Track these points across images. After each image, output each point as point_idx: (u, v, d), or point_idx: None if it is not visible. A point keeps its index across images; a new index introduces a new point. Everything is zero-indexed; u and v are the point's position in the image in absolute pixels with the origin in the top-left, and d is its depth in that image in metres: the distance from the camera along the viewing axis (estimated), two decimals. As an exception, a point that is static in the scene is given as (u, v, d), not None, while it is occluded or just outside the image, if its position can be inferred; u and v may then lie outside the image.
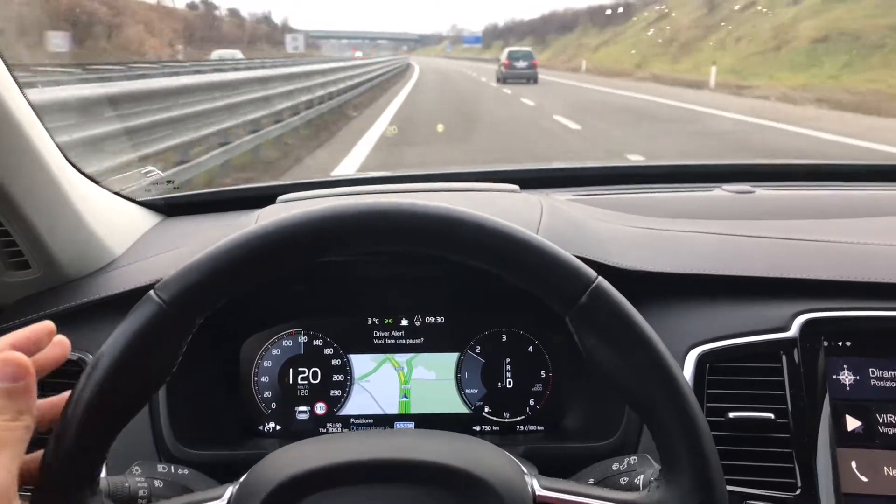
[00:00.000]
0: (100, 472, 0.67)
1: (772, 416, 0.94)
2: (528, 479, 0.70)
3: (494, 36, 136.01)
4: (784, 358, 0.97)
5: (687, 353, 0.98)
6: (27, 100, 1.01)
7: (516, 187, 1.31)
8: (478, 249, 0.68)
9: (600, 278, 0.67)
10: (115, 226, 1.25)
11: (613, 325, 0.67)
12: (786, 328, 0.98)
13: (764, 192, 1.47)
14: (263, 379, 1.17)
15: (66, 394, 0.68)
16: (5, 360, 0.59)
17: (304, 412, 1.16)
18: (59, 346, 0.68)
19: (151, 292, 0.66)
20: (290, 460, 0.70)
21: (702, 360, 0.97)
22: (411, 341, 1.18)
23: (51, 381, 0.99)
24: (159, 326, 0.65)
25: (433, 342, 1.18)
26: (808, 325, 0.98)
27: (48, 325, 0.66)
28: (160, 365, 0.67)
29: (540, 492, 0.69)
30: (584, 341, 0.68)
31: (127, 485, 0.82)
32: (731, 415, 0.94)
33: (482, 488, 0.67)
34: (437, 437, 0.75)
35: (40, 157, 1.03)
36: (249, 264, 0.66)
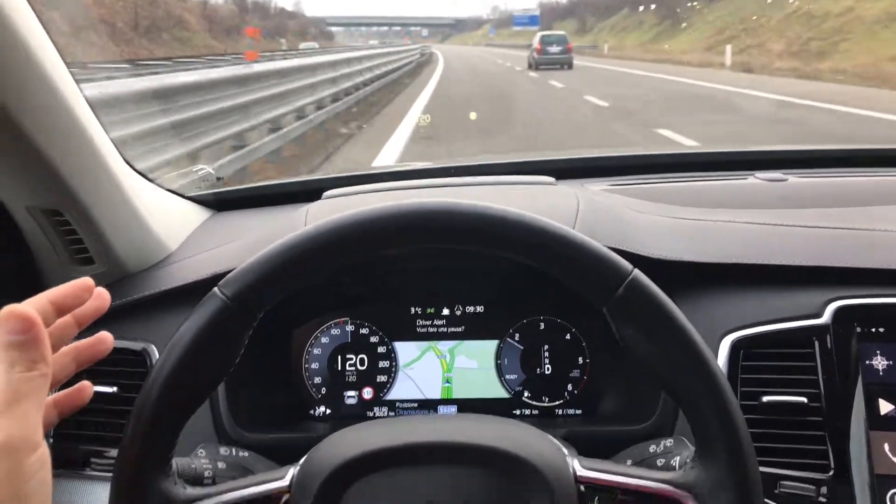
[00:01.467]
0: (172, 455, 0.73)
1: (805, 399, 0.97)
2: (569, 460, 0.75)
3: (558, 15, 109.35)
4: (817, 344, 0.99)
5: (721, 339, 1.01)
6: (86, 99, 1.07)
7: (552, 179, 1.35)
8: (518, 245, 0.72)
9: (636, 271, 0.71)
10: (170, 221, 1.31)
11: (650, 316, 0.70)
12: (819, 315, 1.01)
13: (796, 180, 1.48)
14: (314, 366, 1.22)
15: (82, 384, 0.73)
16: (9, 314, 0.59)
17: (353, 397, 1.22)
18: (99, 298, 0.70)
19: (216, 289, 0.71)
20: (348, 443, 0.75)
21: (736, 347, 1.01)
22: (452, 329, 1.23)
23: (114, 370, 1.07)
24: (223, 322, 0.70)
25: (473, 330, 1.23)
26: (840, 311, 1.00)
27: (87, 280, 0.69)
28: (224, 357, 0.72)
29: (581, 472, 0.73)
30: (621, 332, 0.72)
31: (193, 466, 0.88)
32: (765, 399, 0.97)
33: (527, 470, 0.71)
34: (485, 422, 0.80)
35: (101, 156, 1.09)
36: (306, 262, 0.71)
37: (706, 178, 1.56)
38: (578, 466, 0.74)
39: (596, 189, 1.38)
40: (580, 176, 1.55)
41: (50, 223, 1.08)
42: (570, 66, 26.25)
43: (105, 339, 0.73)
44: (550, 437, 0.78)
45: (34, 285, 1.15)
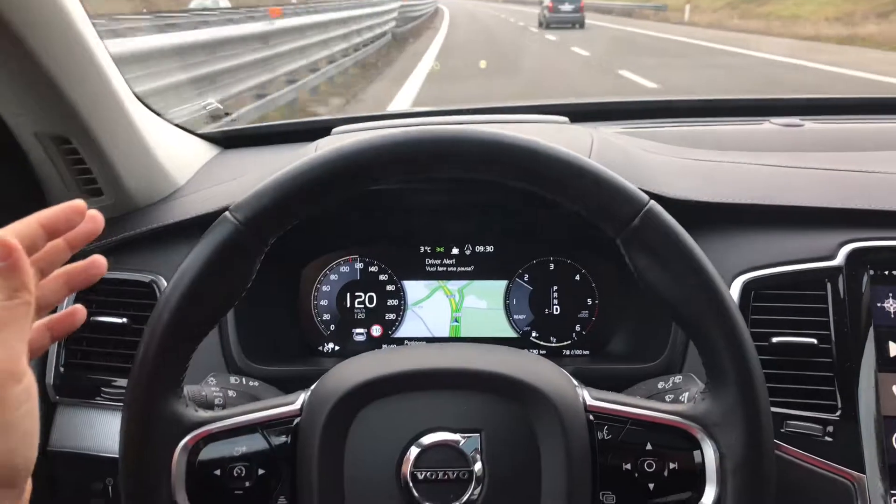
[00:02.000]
0: (183, 378, 0.73)
1: (815, 341, 0.97)
2: (579, 390, 0.75)
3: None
4: (829, 286, 0.99)
5: (733, 280, 1.01)
6: (102, 41, 1.05)
7: (566, 119, 1.33)
8: (533, 174, 0.71)
9: (652, 202, 0.70)
10: (178, 156, 1.30)
11: (664, 247, 0.69)
12: (831, 257, 1.00)
13: (813, 126, 1.46)
14: (322, 302, 1.23)
15: (74, 307, 0.71)
16: None
17: (361, 334, 1.22)
18: (92, 221, 0.67)
19: (227, 213, 0.70)
20: (359, 369, 0.75)
21: (747, 287, 1.00)
22: (462, 269, 1.23)
23: (123, 301, 1.07)
24: (235, 245, 0.69)
25: (483, 270, 1.23)
26: (853, 254, 1.00)
27: (78, 203, 0.66)
28: (235, 282, 0.71)
29: (591, 402, 0.73)
30: (635, 262, 0.71)
31: (203, 393, 0.89)
32: (775, 339, 0.97)
33: (537, 397, 0.71)
34: (495, 350, 0.80)
35: (111, 86, 1.08)
36: (320, 186, 0.70)
37: (720, 123, 1.54)
38: (588, 396, 0.74)
39: (609, 131, 1.36)
40: (593, 119, 1.53)
41: (58, 151, 1.07)
42: (582, 24, 25.39)
43: (98, 262, 0.70)
44: (560, 368, 0.78)
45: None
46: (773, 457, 0.69)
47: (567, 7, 25.33)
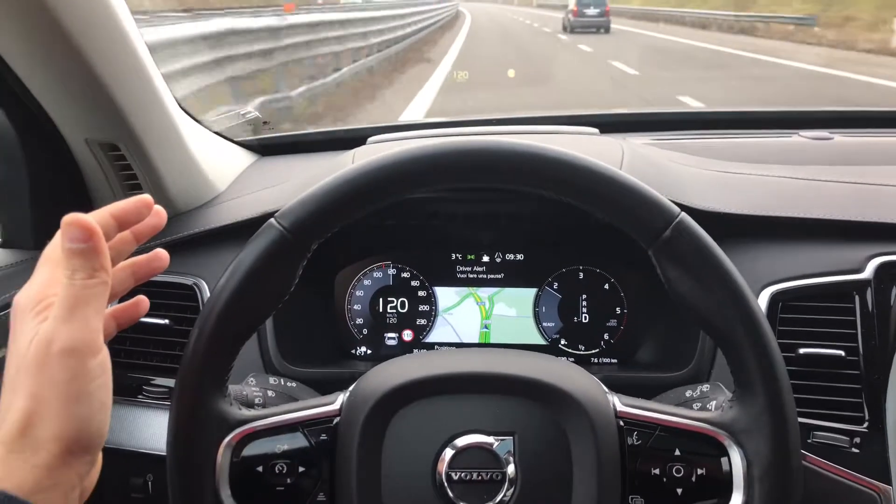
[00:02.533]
0: (228, 378, 0.75)
1: (842, 353, 0.98)
2: (609, 396, 0.77)
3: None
4: (857, 298, 1.00)
5: (761, 291, 1.02)
6: (146, 45, 1.09)
7: (596, 130, 1.35)
8: (567, 185, 0.73)
9: (683, 213, 0.72)
10: (218, 163, 1.34)
11: (695, 259, 0.71)
12: (860, 270, 1.01)
13: (842, 139, 1.47)
14: (356, 307, 1.26)
15: (139, 297, 0.75)
16: (70, 222, 0.60)
17: (393, 338, 1.25)
18: (157, 216, 0.71)
19: (272, 220, 0.73)
20: (397, 371, 0.77)
21: (775, 298, 1.01)
22: (492, 276, 1.25)
23: (166, 303, 1.11)
24: (280, 250, 0.72)
25: (513, 278, 1.25)
26: (882, 267, 1.01)
27: (147, 197, 0.71)
28: (279, 286, 0.74)
29: (621, 408, 0.75)
30: (666, 273, 0.73)
31: (244, 393, 0.91)
32: (802, 351, 0.98)
33: (569, 402, 0.73)
34: (528, 355, 0.82)
35: (158, 96, 1.12)
36: (362, 195, 0.73)
37: (749, 135, 1.55)
38: (618, 403, 0.76)
39: (639, 142, 1.38)
40: (623, 130, 1.54)
41: (107, 157, 1.11)
42: (608, 29, 24.39)
43: (161, 255, 0.75)
44: (591, 374, 0.80)
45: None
46: (801, 465, 0.70)
47: (592, 11, 24.44)
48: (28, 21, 0.91)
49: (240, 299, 0.72)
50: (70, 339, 0.59)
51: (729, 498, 0.72)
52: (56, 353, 0.59)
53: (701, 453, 0.73)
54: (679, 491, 0.73)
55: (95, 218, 0.64)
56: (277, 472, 0.75)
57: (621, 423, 0.74)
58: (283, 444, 0.75)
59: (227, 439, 0.74)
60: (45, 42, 0.94)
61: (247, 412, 0.77)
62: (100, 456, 0.65)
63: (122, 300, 0.76)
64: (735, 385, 0.74)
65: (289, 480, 0.75)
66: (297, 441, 0.75)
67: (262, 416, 0.76)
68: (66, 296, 0.60)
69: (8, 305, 1.07)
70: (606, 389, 0.78)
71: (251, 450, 0.75)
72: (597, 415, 0.73)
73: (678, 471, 0.73)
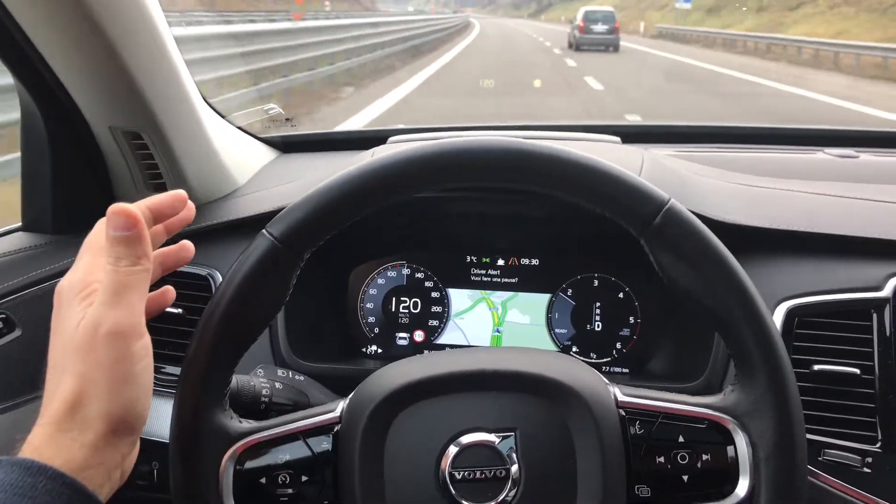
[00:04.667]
0: (227, 391, 0.75)
1: (857, 371, 0.96)
2: (610, 387, 0.76)
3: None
4: (875, 316, 0.98)
5: (777, 305, 1.01)
6: (173, 39, 1.11)
7: (618, 139, 1.34)
8: (556, 179, 0.73)
9: (673, 200, 0.71)
10: (239, 158, 1.36)
11: (686, 243, 0.71)
12: (879, 288, 1.00)
13: (868, 158, 1.45)
14: (368, 305, 1.26)
15: (166, 287, 0.78)
16: (115, 211, 0.63)
17: (404, 338, 1.25)
18: (190, 210, 0.75)
19: (263, 230, 0.73)
20: (394, 375, 0.77)
21: (791, 314, 1.00)
22: (506, 280, 1.25)
23: (181, 293, 1.11)
24: (271, 260, 0.72)
25: (527, 283, 1.25)
26: None
27: (181, 193, 0.74)
28: (274, 294, 0.74)
29: (622, 398, 0.75)
30: (659, 259, 0.73)
31: (252, 384, 0.92)
32: (816, 367, 0.97)
33: (569, 395, 0.73)
34: (524, 350, 0.82)
35: (183, 87, 1.14)
36: (350, 201, 0.72)
37: (773, 151, 1.53)
38: (619, 392, 0.75)
39: (660, 153, 1.37)
40: (645, 141, 1.54)
41: (129, 145, 1.13)
42: (616, 48, 22.64)
43: (188, 246, 0.78)
44: (592, 368, 0.79)
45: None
46: (805, 443, 0.70)
47: (601, 28, 22.84)
48: (59, 10, 0.93)
49: (234, 313, 0.71)
50: (116, 322, 0.62)
51: (736, 483, 0.71)
52: (103, 335, 0.61)
53: (705, 440, 0.72)
54: (685, 478, 0.72)
55: (134, 209, 0.67)
56: (281, 482, 0.74)
57: (623, 412, 0.74)
58: (284, 454, 0.75)
59: (228, 453, 0.73)
60: (76, 31, 0.96)
61: (247, 424, 0.76)
62: (139, 438, 0.67)
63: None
64: (735, 368, 0.74)
65: (292, 490, 0.74)
66: (299, 450, 0.75)
67: (262, 427, 0.76)
68: (111, 281, 0.63)
69: (33, 285, 1.10)
70: (607, 381, 0.77)
71: (253, 461, 0.74)
72: (598, 407, 0.72)
73: (683, 458, 0.72)
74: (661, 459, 0.72)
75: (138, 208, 0.68)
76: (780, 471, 0.69)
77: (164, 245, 0.77)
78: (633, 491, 0.72)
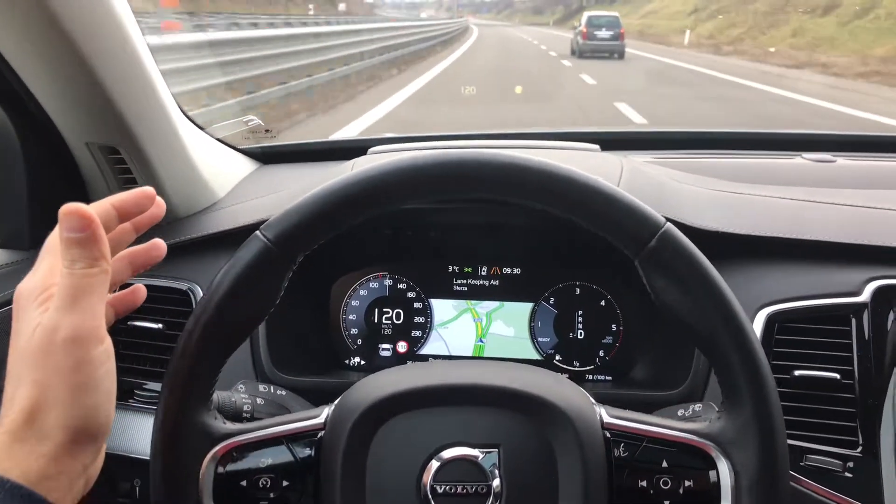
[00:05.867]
0: (213, 391, 0.75)
1: (837, 376, 0.97)
2: (596, 408, 0.76)
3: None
4: (854, 321, 0.99)
5: (757, 312, 1.01)
6: (149, 51, 1.10)
7: (597, 147, 1.35)
8: (550, 196, 0.72)
9: (669, 223, 0.71)
10: (218, 170, 1.35)
11: (680, 268, 0.70)
12: (857, 293, 1.01)
13: (845, 162, 1.46)
14: (351, 317, 1.25)
15: (136, 286, 0.76)
16: (67, 211, 0.60)
17: (387, 349, 1.25)
18: (157, 207, 0.72)
19: (258, 232, 0.72)
20: (380, 384, 0.77)
21: (771, 320, 1.01)
22: (489, 290, 1.25)
23: (160, 308, 1.10)
24: (264, 262, 0.71)
25: (509, 292, 1.25)
26: (880, 291, 1.00)
27: (148, 189, 0.71)
28: (265, 297, 0.73)
29: (608, 419, 0.74)
30: (652, 283, 0.72)
31: (233, 399, 0.91)
32: (797, 373, 0.98)
33: (555, 414, 0.73)
34: (513, 367, 0.81)
35: (160, 101, 1.13)
36: (345, 207, 0.72)
37: (751, 156, 1.54)
38: (605, 414, 0.75)
39: (639, 160, 1.38)
40: (624, 148, 1.54)
41: (106, 160, 1.12)
42: (622, 55, 21.56)
43: (158, 244, 0.75)
44: (579, 387, 0.79)
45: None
46: (788, 475, 0.70)
47: (605, 34, 21.82)
48: (31, 24, 0.92)
49: (224, 313, 0.71)
50: (74, 328, 0.60)
51: None
52: (60, 341, 0.59)
53: (688, 466, 0.72)
54: (667, 503, 0.72)
55: (96, 208, 0.65)
56: (262, 486, 0.74)
57: (608, 434, 0.73)
58: (267, 458, 0.75)
59: (210, 453, 0.73)
60: (48, 45, 0.95)
61: (231, 426, 0.76)
62: (104, 446, 0.66)
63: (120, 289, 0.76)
64: (722, 395, 0.74)
65: (272, 495, 0.74)
66: (282, 455, 0.75)
67: (246, 430, 0.75)
68: (66, 285, 0.61)
69: (7, 303, 1.08)
70: (593, 401, 0.77)
71: (235, 464, 0.74)
72: (583, 427, 0.72)
73: (665, 483, 0.72)
74: (644, 483, 0.72)
75: (102, 207, 0.67)
76: (762, 501, 0.69)
77: (135, 244, 0.75)
78: None
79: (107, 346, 0.62)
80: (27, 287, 0.65)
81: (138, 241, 0.76)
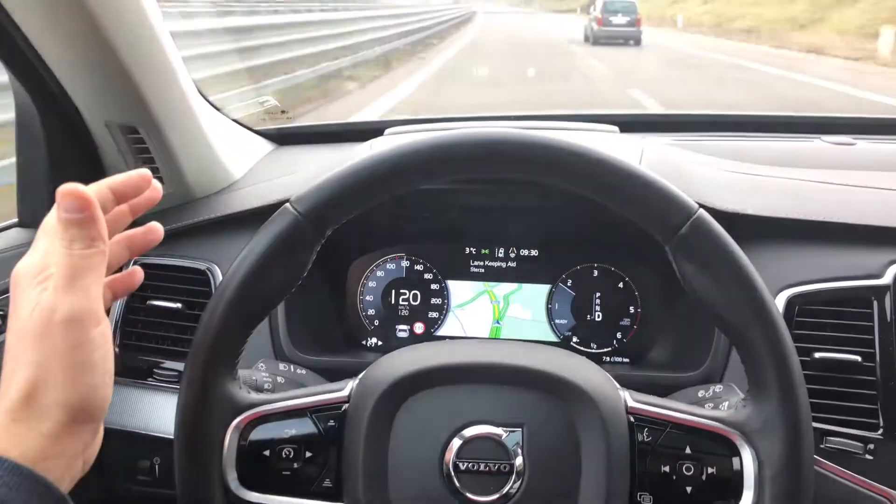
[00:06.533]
0: (238, 362, 0.75)
1: (858, 358, 0.96)
2: (621, 392, 0.76)
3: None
4: (875, 304, 0.98)
5: (778, 293, 1.01)
6: (168, 33, 1.10)
7: (615, 128, 1.34)
8: (584, 178, 0.72)
9: (701, 210, 0.71)
10: (236, 151, 1.35)
11: (712, 255, 0.70)
12: (879, 275, 1.00)
13: (865, 145, 1.45)
14: (368, 298, 1.26)
15: (134, 268, 0.76)
16: (64, 192, 0.60)
17: (404, 330, 1.25)
18: (154, 189, 0.71)
19: (288, 205, 0.72)
20: (406, 360, 0.77)
21: (792, 302, 1.00)
22: (506, 272, 1.25)
23: (179, 287, 1.11)
24: (294, 235, 0.72)
25: (527, 274, 1.24)
26: None
27: (145, 171, 0.70)
28: (292, 271, 0.73)
29: (632, 404, 0.74)
30: (682, 269, 0.72)
31: (254, 378, 0.92)
32: (818, 355, 0.97)
33: (580, 396, 0.73)
34: (540, 348, 0.81)
35: (179, 82, 1.13)
36: (378, 182, 0.73)
37: (771, 139, 1.53)
38: (630, 398, 0.75)
39: (658, 142, 1.37)
40: (643, 130, 1.53)
41: (126, 140, 1.12)
42: (638, 41, 20.72)
43: (155, 228, 0.75)
44: (603, 370, 0.79)
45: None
46: (812, 466, 0.69)
47: (620, 20, 20.89)
48: (56, 5, 0.93)
49: (252, 282, 0.71)
50: (71, 308, 0.60)
51: (739, 498, 0.71)
52: (58, 321, 0.59)
53: (712, 452, 0.72)
54: (689, 489, 0.72)
55: (93, 190, 0.64)
56: (284, 456, 0.75)
57: (632, 419, 0.73)
58: (290, 429, 0.75)
59: (235, 422, 0.74)
60: (71, 26, 0.95)
61: (255, 396, 0.77)
62: (102, 426, 0.66)
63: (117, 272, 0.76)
64: (749, 384, 0.73)
65: (295, 465, 0.74)
66: (306, 426, 0.75)
67: (270, 400, 0.76)
68: (64, 265, 0.60)
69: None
70: (618, 385, 0.77)
71: (259, 434, 0.75)
72: (607, 410, 0.72)
73: (688, 469, 0.72)
74: (667, 469, 0.72)
75: (99, 188, 0.66)
76: (785, 491, 0.69)
77: (132, 227, 0.74)
78: (635, 498, 0.72)
79: (104, 327, 0.62)
80: (25, 266, 0.64)
81: (135, 224, 0.75)
